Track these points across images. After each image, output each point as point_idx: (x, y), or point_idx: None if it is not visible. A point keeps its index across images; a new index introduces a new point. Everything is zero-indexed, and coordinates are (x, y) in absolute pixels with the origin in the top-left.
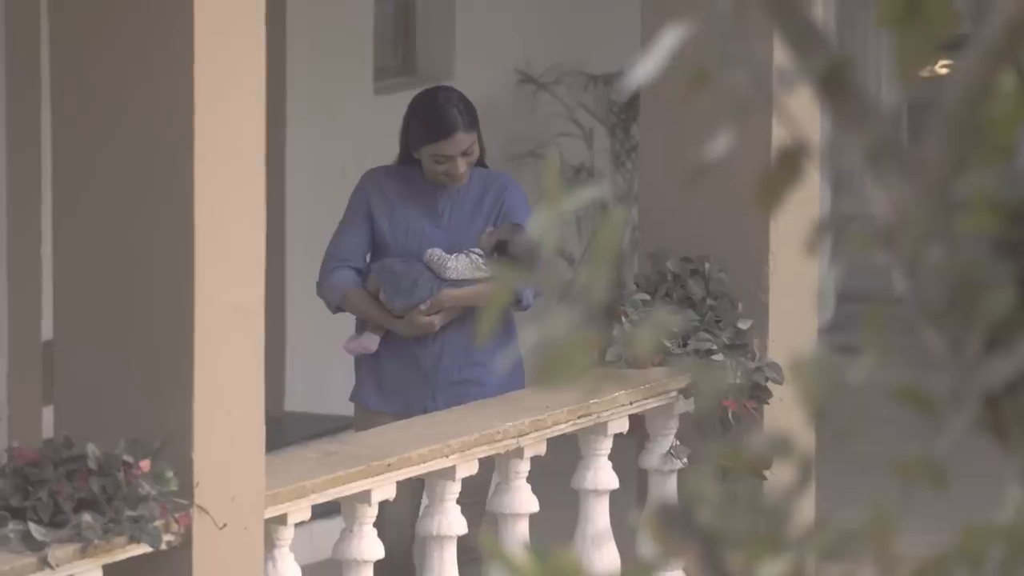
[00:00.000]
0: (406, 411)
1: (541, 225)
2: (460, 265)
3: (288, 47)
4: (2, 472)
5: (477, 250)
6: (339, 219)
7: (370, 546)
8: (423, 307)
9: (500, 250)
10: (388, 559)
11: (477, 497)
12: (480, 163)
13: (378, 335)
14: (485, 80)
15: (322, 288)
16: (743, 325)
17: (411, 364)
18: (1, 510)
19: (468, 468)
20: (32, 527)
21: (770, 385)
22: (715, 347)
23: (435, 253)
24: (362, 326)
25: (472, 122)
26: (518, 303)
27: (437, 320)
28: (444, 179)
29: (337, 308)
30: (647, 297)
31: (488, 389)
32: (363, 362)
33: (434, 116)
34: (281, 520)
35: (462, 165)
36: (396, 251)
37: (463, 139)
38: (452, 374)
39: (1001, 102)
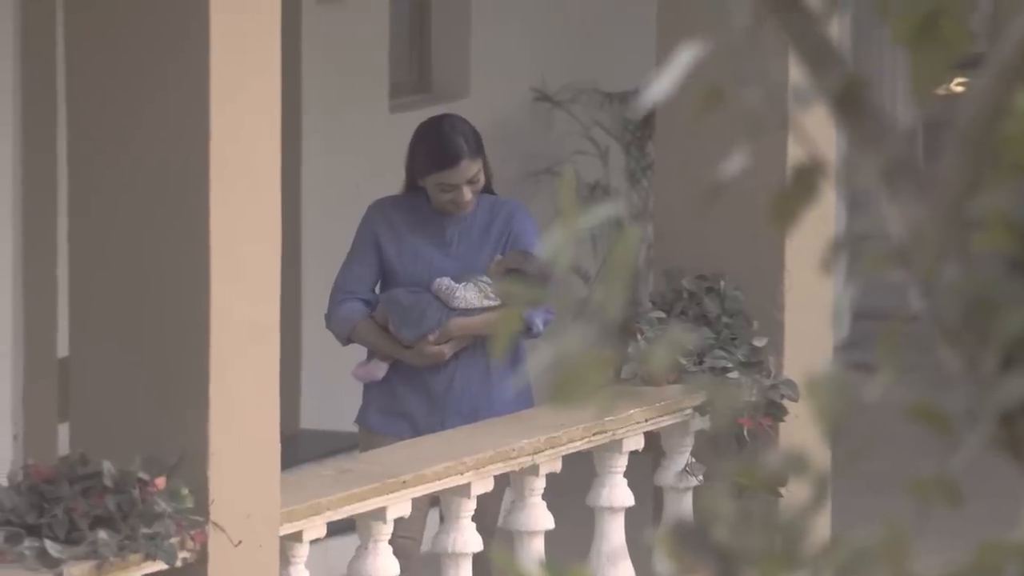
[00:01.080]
0: (413, 436)
1: (556, 243)
2: (468, 294)
3: (303, 64)
4: (18, 489)
5: (485, 278)
6: (353, 237)
7: (385, 563)
8: (432, 337)
9: (510, 277)
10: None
11: (487, 520)
12: (487, 189)
13: (386, 363)
14: (500, 98)
15: (331, 320)
16: (758, 343)
17: (422, 391)
18: (17, 527)
19: (483, 485)
20: (48, 544)
21: (785, 403)
22: (730, 365)
23: (443, 283)
24: (372, 352)
25: (477, 149)
26: (528, 330)
27: (447, 349)
28: (450, 208)
29: (347, 340)
30: (662, 315)
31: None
32: (372, 386)
33: (439, 145)
34: (296, 537)
35: (468, 193)
36: (405, 281)
37: (468, 167)
38: (463, 403)
39: (1016, 120)
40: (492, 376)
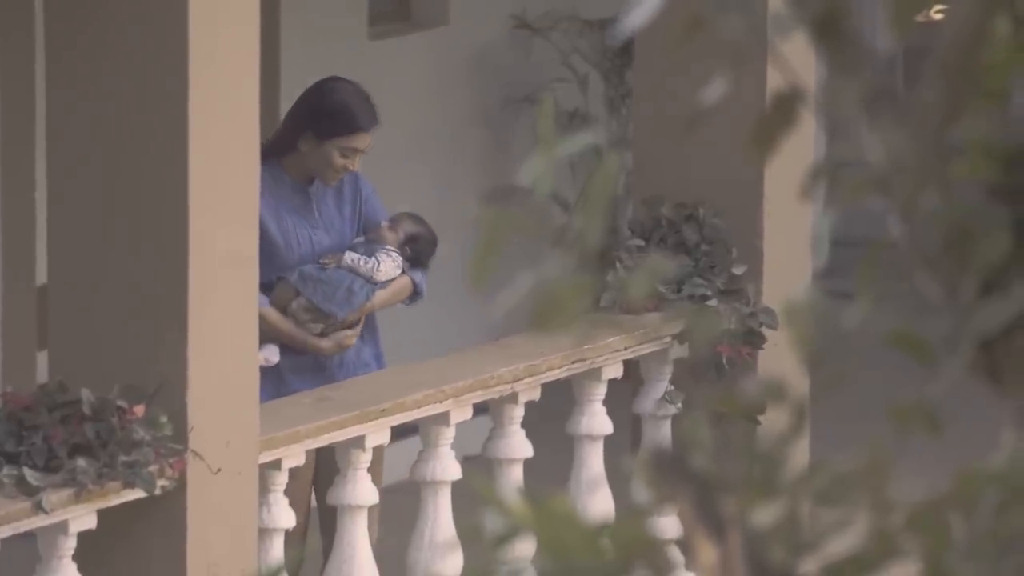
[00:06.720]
0: None
1: (535, 171)
2: (387, 267)
3: None
4: None
5: (389, 247)
6: None
7: (365, 492)
8: (352, 316)
9: (412, 243)
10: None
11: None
12: None
13: (277, 346)
14: (480, 26)
15: None
16: (737, 271)
17: (313, 372)
18: None
19: (462, 413)
20: (26, 472)
21: (764, 330)
22: (709, 293)
23: (355, 258)
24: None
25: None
26: (417, 295)
27: (352, 334)
28: (335, 174)
29: None
30: (641, 243)
31: None
32: (265, 379)
33: (354, 108)
34: (275, 465)
35: (358, 162)
36: (290, 260)
37: (371, 136)
38: (349, 376)
39: (996, 47)
40: (365, 345)
